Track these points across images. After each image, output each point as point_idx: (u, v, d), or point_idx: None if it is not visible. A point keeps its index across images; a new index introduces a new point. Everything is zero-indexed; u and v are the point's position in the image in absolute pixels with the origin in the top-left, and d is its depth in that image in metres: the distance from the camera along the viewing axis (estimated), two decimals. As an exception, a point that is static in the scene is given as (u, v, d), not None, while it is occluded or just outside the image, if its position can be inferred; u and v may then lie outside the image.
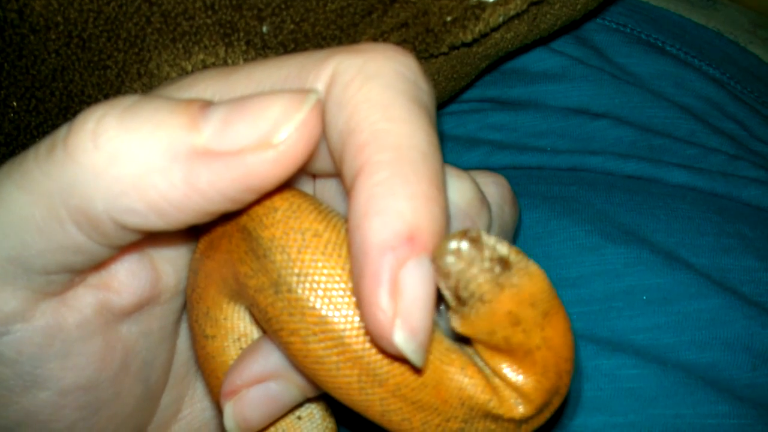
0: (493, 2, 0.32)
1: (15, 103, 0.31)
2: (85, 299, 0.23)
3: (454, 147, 0.45)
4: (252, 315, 0.25)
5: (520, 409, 0.22)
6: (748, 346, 0.34)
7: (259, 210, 0.22)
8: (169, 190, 0.20)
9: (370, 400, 0.21)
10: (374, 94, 0.20)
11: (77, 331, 0.23)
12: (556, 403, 0.23)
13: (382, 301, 0.18)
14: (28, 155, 0.21)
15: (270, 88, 0.22)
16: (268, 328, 0.23)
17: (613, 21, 0.48)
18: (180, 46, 0.30)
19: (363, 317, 0.19)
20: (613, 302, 0.35)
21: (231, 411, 0.24)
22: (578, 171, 0.42)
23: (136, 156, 0.20)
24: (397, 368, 0.21)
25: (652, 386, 0.33)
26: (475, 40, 0.33)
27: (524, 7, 0.32)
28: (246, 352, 0.25)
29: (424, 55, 0.33)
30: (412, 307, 0.19)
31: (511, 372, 0.22)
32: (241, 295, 0.24)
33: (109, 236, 0.21)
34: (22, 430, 0.24)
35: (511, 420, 0.22)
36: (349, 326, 0.21)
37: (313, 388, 0.24)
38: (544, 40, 0.45)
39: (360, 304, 0.19)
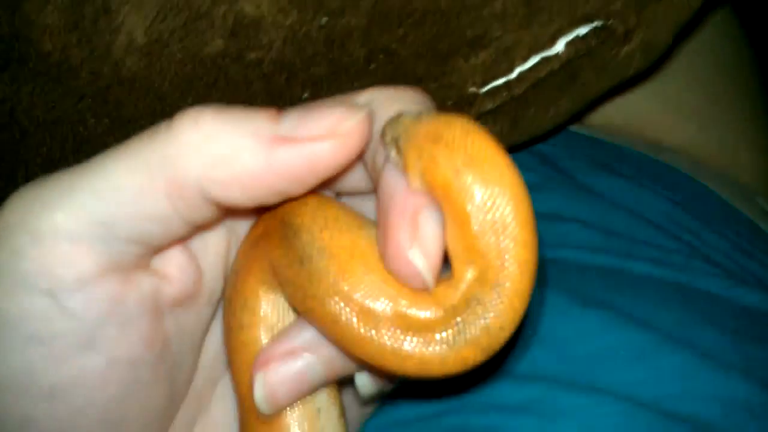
0: (484, 93, 0.41)
1: (93, 142, 0.38)
2: (144, 281, 0.26)
3: None
4: (284, 296, 0.29)
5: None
6: (718, 396, 0.37)
7: (294, 204, 0.28)
8: (253, 165, 0.24)
9: (379, 342, 0.25)
10: (404, 106, 0.26)
11: (134, 307, 0.26)
12: (522, 255, 0.24)
13: (404, 228, 0.24)
14: (131, 140, 0.25)
15: None
16: (296, 300, 0.27)
17: (577, 150, 0.55)
18: (237, 106, 0.38)
19: (385, 243, 0.24)
20: (594, 360, 0.38)
21: (261, 382, 0.27)
22: (555, 261, 0.46)
23: (229, 137, 0.24)
24: (389, 311, 0.25)
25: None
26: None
27: (507, 99, 0.41)
28: (279, 333, 0.28)
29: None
30: (427, 237, 0.24)
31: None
32: (275, 276, 0.28)
33: (192, 208, 0.25)
34: (67, 396, 0.25)
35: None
36: (354, 285, 0.25)
37: (338, 367, 0.28)
38: (521, 159, 0.53)
39: (385, 233, 0.24)
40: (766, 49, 0.65)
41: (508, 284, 0.24)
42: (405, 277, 0.25)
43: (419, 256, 0.24)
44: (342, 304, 0.25)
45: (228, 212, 0.28)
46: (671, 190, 0.52)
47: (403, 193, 0.24)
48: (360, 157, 0.27)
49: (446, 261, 0.25)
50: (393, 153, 0.25)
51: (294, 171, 0.25)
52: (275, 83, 0.38)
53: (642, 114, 0.58)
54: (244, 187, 0.25)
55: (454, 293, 0.25)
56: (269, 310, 0.29)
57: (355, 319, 0.25)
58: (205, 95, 0.38)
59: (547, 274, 0.45)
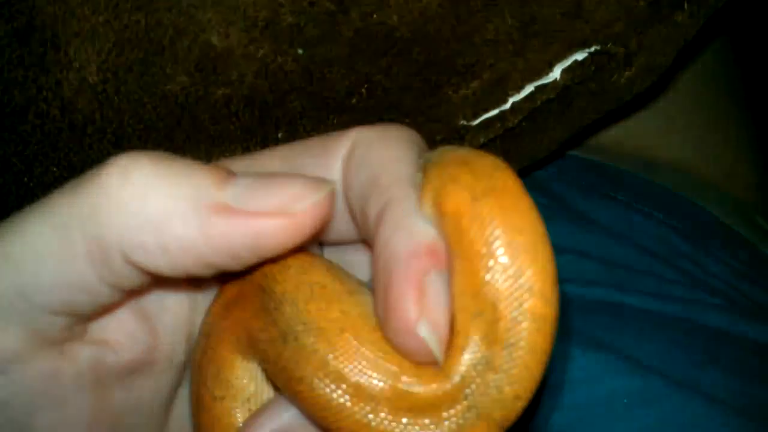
0: (475, 125, 0.37)
1: (40, 194, 0.34)
2: (82, 352, 0.24)
3: None
4: (264, 371, 0.26)
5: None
6: None
7: (274, 268, 0.25)
8: (184, 233, 0.21)
9: (378, 428, 0.22)
10: (394, 151, 0.24)
11: (72, 383, 0.23)
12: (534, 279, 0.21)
13: (410, 298, 0.21)
14: (54, 193, 0.22)
15: (293, 161, 0.25)
16: (279, 381, 0.24)
17: (568, 174, 0.53)
18: (203, 147, 0.34)
19: (387, 313, 0.21)
20: (596, 407, 0.37)
21: None
22: None
23: (162, 198, 0.21)
24: (389, 390, 0.22)
25: None
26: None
27: (500, 131, 0.38)
28: (257, 411, 0.25)
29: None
30: (435, 307, 0.21)
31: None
32: (253, 350, 0.25)
33: (115, 273, 0.22)
34: None
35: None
36: (346, 362, 0.22)
37: None
38: None
39: (387, 303, 0.21)
40: (760, 66, 0.64)
41: (522, 344, 0.21)
42: (411, 352, 0.22)
43: (428, 330, 0.21)
44: (333, 386, 0.22)
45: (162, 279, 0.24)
46: (669, 214, 0.51)
47: (406, 253, 0.21)
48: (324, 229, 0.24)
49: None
50: (419, 174, 0.23)
51: (231, 246, 0.22)
52: (246, 122, 0.34)
53: (636, 131, 0.56)
54: (170, 256, 0.22)
55: (459, 357, 0.22)
56: (245, 380, 0.26)
57: (349, 403, 0.22)
58: (167, 138, 0.34)
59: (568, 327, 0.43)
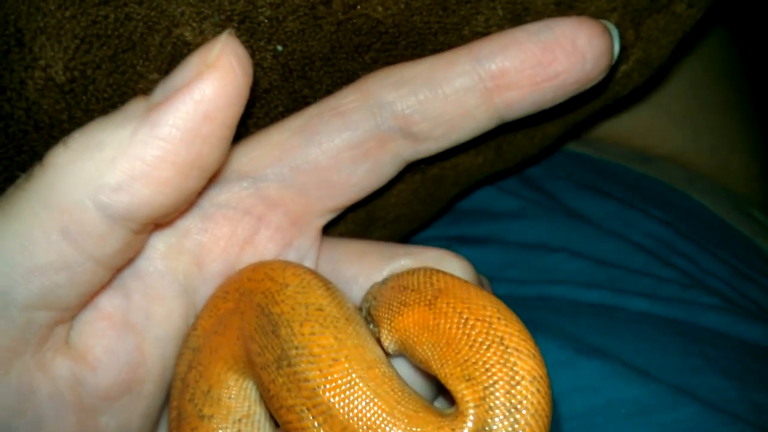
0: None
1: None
2: (59, 370, 0.23)
3: None
4: (261, 395, 0.25)
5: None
6: None
7: (272, 287, 0.24)
8: (143, 149, 0.21)
9: None
10: None
11: (50, 403, 0.22)
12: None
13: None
14: (8, 190, 0.22)
15: None
16: (272, 408, 0.23)
17: (560, 170, 0.52)
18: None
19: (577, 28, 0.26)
20: (594, 417, 0.36)
21: None
22: (545, 299, 0.43)
23: (103, 137, 0.21)
24: None
25: None
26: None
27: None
28: None
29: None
30: None
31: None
32: (250, 371, 0.24)
33: (95, 235, 0.21)
34: None
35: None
36: (337, 397, 0.21)
37: None
38: (505, 177, 0.49)
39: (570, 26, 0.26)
40: (756, 56, 0.62)
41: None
42: (604, 53, 0.28)
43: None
44: (320, 421, 0.21)
45: (142, 238, 0.24)
46: (663, 210, 0.50)
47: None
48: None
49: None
50: (372, 326, 0.24)
51: (191, 129, 0.21)
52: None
53: (630, 121, 0.55)
54: (145, 178, 0.21)
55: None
56: (239, 400, 0.25)
57: None
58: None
59: (537, 317, 0.42)
